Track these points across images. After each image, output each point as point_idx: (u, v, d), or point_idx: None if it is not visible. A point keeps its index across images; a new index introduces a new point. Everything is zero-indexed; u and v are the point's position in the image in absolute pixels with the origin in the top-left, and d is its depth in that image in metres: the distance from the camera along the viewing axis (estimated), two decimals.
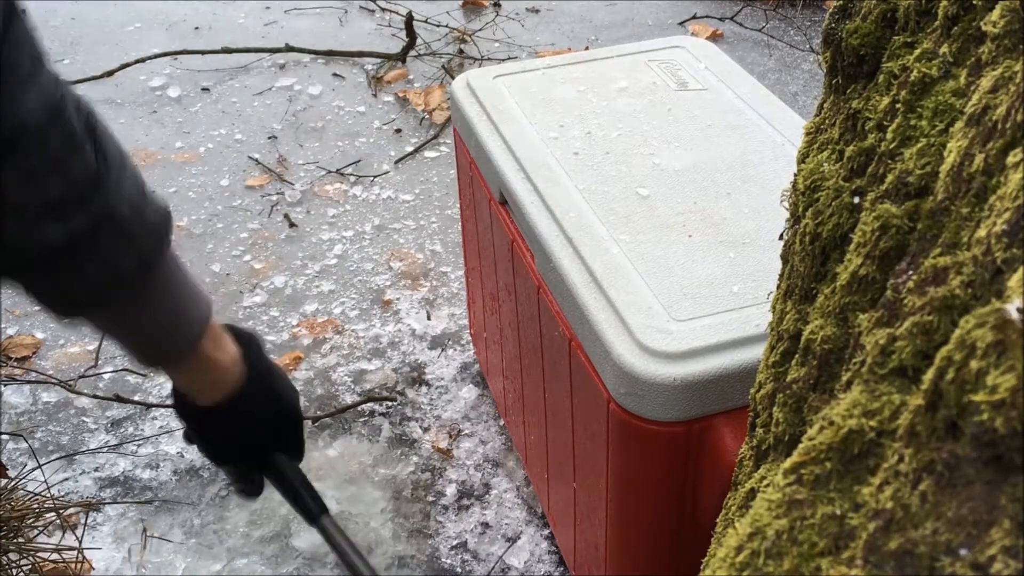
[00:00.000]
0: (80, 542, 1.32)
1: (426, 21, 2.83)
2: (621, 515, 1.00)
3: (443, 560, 1.36)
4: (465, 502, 1.45)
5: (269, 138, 2.35)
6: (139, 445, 1.54)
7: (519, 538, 1.39)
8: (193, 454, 1.52)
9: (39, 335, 1.75)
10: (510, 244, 1.15)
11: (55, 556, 1.29)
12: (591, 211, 1.04)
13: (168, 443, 1.55)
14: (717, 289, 0.93)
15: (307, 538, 1.39)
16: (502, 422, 1.57)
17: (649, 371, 0.86)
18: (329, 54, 2.68)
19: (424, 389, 1.64)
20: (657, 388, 0.86)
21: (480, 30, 2.84)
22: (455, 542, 1.39)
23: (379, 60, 2.66)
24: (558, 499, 1.23)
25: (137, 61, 2.56)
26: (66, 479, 1.48)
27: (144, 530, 1.40)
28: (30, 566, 1.26)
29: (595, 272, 0.95)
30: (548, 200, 1.06)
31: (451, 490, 1.46)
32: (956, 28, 0.46)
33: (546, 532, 1.40)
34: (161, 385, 1.64)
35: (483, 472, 1.49)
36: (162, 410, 1.59)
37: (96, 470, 1.50)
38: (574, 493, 1.14)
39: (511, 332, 1.27)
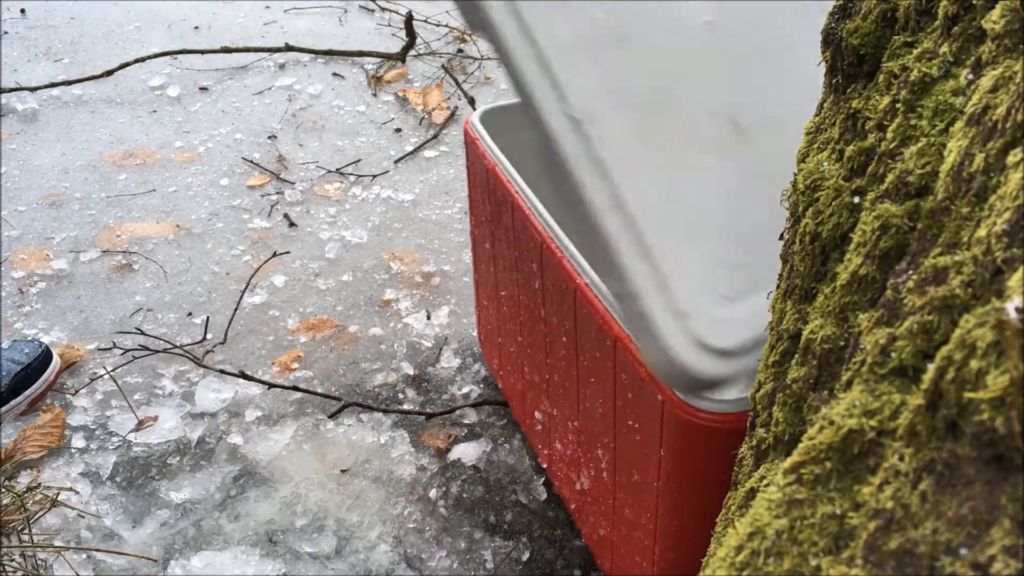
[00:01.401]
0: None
1: (426, 21, 2.83)
2: (674, 514, 0.99)
3: (444, 560, 1.36)
4: (467, 500, 1.45)
5: (269, 137, 2.35)
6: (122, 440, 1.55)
7: (529, 534, 1.39)
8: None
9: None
10: (539, 246, 1.15)
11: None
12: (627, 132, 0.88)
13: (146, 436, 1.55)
14: (767, 246, 0.81)
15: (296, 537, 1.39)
16: (504, 421, 1.57)
17: (709, 366, 0.83)
18: (329, 54, 2.68)
19: (424, 388, 1.64)
20: (719, 380, 0.84)
21: None
22: (459, 543, 1.39)
23: (379, 60, 2.66)
24: (591, 501, 1.23)
25: (137, 60, 2.56)
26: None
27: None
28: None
29: (645, 238, 0.85)
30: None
31: (454, 489, 1.46)
32: (956, 28, 0.46)
33: (560, 531, 1.40)
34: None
35: (485, 470, 1.49)
36: (116, 409, 1.59)
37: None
38: (613, 497, 1.13)
39: (536, 336, 1.27)
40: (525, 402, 1.42)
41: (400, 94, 2.51)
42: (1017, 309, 0.31)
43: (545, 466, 1.42)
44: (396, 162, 2.25)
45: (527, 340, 1.32)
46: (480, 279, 1.52)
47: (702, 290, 0.84)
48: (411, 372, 1.67)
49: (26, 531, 1.33)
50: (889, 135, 0.49)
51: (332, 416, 1.58)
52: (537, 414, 1.37)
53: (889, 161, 0.48)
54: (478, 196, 1.39)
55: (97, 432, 1.56)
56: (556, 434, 1.31)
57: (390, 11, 2.95)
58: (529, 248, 1.20)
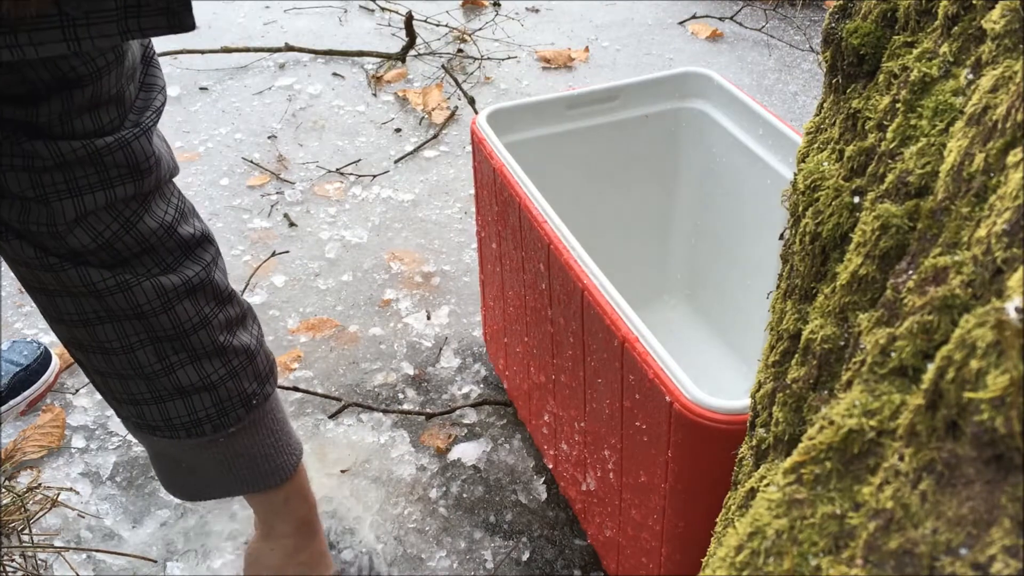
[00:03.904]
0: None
1: (426, 21, 2.83)
2: (681, 515, 0.99)
3: (444, 560, 1.36)
4: (467, 500, 1.45)
5: (269, 137, 2.35)
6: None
7: (529, 534, 1.39)
8: None
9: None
10: (546, 246, 1.15)
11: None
12: None
13: None
14: None
15: None
16: (504, 421, 1.57)
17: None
18: (329, 53, 2.68)
19: (424, 388, 1.64)
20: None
21: (480, 30, 2.84)
22: (459, 542, 1.39)
23: (379, 59, 2.66)
24: (597, 502, 1.23)
25: None
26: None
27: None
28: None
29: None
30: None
31: (454, 489, 1.46)
32: (956, 28, 0.46)
33: (560, 531, 1.40)
34: None
35: (485, 470, 1.49)
36: None
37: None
38: (619, 498, 1.13)
39: (543, 336, 1.27)
40: (531, 402, 1.42)
41: (400, 94, 2.51)
42: (1017, 309, 0.31)
43: (551, 467, 1.42)
44: (396, 162, 2.25)
45: (533, 340, 1.32)
46: (486, 279, 1.52)
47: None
48: (411, 372, 1.67)
49: (26, 531, 1.33)
50: (889, 135, 0.49)
51: (332, 416, 1.58)
52: (543, 415, 1.37)
53: (889, 161, 0.48)
54: (485, 196, 1.39)
55: (97, 432, 1.56)
56: (562, 435, 1.30)
57: (390, 11, 2.95)
58: (536, 248, 1.20)
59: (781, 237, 0.64)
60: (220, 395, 0.67)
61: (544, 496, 1.45)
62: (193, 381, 0.65)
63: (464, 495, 1.46)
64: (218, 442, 0.69)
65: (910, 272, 0.42)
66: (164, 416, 0.66)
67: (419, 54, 2.70)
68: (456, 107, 2.44)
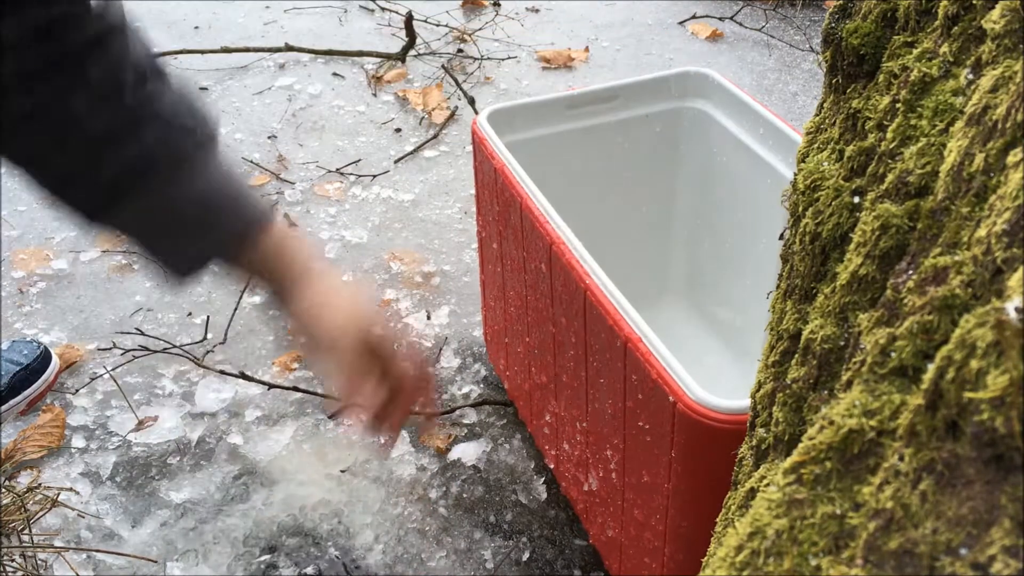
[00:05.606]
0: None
1: (426, 21, 2.83)
2: (684, 515, 0.99)
3: (444, 560, 1.36)
4: (467, 500, 1.45)
5: (269, 137, 2.35)
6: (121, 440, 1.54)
7: (529, 534, 1.39)
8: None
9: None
10: (548, 247, 1.15)
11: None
12: None
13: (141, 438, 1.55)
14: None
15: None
16: (504, 421, 1.57)
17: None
18: (329, 53, 2.68)
19: None
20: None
21: (480, 30, 2.84)
22: (459, 542, 1.39)
23: (379, 59, 2.66)
24: (599, 503, 1.23)
25: None
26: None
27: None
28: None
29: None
30: None
31: (454, 489, 1.46)
32: (956, 28, 0.46)
33: (560, 531, 1.40)
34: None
35: (485, 470, 1.49)
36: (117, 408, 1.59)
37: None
38: (622, 498, 1.13)
39: (544, 336, 1.26)
40: (532, 403, 1.42)
41: (400, 94, 2.51)
42: (1017, 309, 0.31)
43: (552, 467, 1.42)
44: (396, 162, 2.25)
45: (535, 341, 1.32)
46: (487, 279, 1.52)
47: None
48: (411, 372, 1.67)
49: (26, 531, 1.33)
50: (889, 135, 0.49)
51: (332, 416, 1.58)
52: (545, 415, 1.37)
53: (889, 161, 0.48)
54: (486, 196, 1.39)
55: (97, 432, 1.56)
56: (564, 435, 1.30)
57: (390, 11, 2.96)
58: (538, 248, 1.20)
59: (781, 237, 0.63)
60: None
61: (544, 496, 1.45)
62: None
63: (464, 495, 1.46)
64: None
65: (910, 272, 0.42)
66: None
67: (419, 54, 2.70)
68: (456, 107, 2.44)
